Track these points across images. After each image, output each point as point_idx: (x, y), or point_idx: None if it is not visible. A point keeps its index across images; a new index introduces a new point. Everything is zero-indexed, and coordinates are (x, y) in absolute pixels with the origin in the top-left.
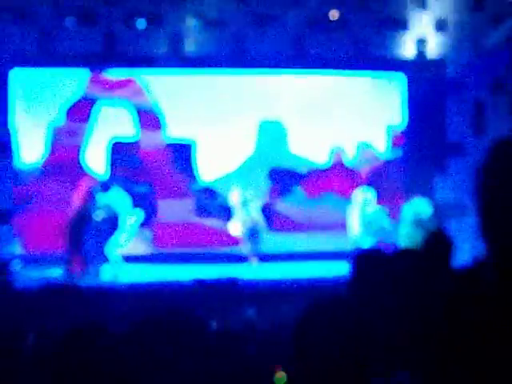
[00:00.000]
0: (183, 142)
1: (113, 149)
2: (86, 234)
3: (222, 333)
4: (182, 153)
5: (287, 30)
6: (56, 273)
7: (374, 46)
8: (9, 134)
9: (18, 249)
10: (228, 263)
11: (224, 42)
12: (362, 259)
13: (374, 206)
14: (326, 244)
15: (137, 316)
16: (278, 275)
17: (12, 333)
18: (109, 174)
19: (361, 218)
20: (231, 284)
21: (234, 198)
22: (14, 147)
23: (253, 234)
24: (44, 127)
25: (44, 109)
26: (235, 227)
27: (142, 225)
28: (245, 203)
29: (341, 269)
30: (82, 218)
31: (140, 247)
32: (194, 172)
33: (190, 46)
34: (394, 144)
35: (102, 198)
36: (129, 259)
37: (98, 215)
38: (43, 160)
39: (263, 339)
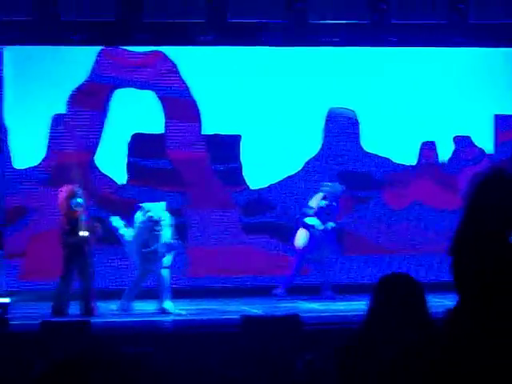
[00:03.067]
0: (226, 138)
1: (133, 147)
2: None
3: None
4: (224, 151)
5: None
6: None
7: (476, 11)
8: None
9: (12, 279)
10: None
11: (278, 7)
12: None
13: None
14: (415, 271)
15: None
16: (348, 312)
17: None
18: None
19: None
20: (290, 321)
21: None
22: (5, 146)
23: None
24: (43, 119)
25: (42, 96)
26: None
27: (172, 248)
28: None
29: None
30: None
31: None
32: (241, 176)
33: (234, 12)
34: (503, 138)
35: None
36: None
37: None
38: (43, 162)
39: None
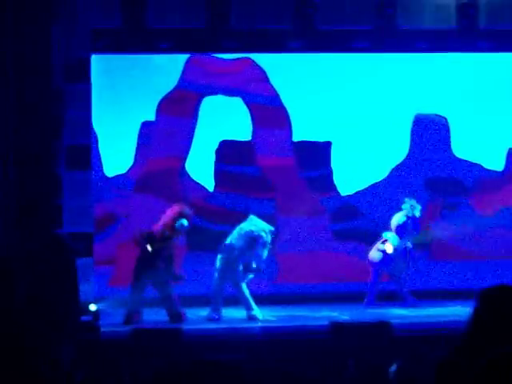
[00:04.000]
0: (316, 145)
1: (221, 154)
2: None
3: None
4: (315, 158)
5: None
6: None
7: None
8: (89, 137)
9: (101, 285)
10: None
11: (366, 13)
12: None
13: None
14: (504, 277)
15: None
16: (438, 318)
17: None
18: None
19: None
20: (381, 328)
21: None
22: (95, 154)
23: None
24: (132, 127)
25: (131, 103)
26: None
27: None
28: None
29: None
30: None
31: (258, 284)
32: (332, 183)
33: (323, 19)
34: None
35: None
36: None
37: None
38: (132, 169)
39: None
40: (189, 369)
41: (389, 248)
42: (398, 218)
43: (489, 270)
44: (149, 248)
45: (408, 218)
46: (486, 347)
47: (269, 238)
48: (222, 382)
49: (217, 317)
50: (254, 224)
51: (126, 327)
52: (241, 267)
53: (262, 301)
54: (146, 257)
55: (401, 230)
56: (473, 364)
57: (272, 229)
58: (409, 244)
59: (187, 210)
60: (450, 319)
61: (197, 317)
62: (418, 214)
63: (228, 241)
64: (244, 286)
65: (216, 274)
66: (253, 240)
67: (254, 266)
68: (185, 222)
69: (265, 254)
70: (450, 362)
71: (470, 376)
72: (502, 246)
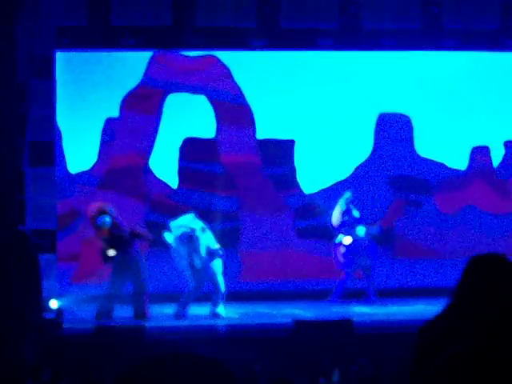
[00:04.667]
0: (279, 143)
1: (185, 151)
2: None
3: None
4: (278, 156)
5: None
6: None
7: None
8: (53, 133)
9: (64, 282)
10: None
11: (330, 11)
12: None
13: None
14: None
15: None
16: (400, 316)
17: None
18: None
19: None
20: (342, 326)
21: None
22: (58, 150)
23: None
24: (96, 124)
25: (95, 100)
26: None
27: (225, 251)
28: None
29: None
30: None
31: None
32: (294, 181)
33: (286, 17)
34: None
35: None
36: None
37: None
38: (95, 166)
39: None
40: (166, 362)
41: (347, 240)
42: (334, 217)
43: (451, 269)
44: (111, 253)
45: (342, 212)
46: (470, 312)
47: (199, 226)
48: (201, 375)
49: (184, 314)
50: (181, 225)
51: (90, 324)
52: (205, 263)
53: (225, 298)
54: (127, 254)
55: (341, 227)
56: (456, 329)
57: (192, 214)
58: (360, 233)
59: (106, 206)
60: (412, 317)
61: (159, 314)
62: (344, 205)
63: (176, 255)
64: (222, 281)
65: (193, 276)
66: (189, 238)
67: (216, 246)
68: (107, 218)
69: (206, 241)
70: (433, 325)
71: (452, 341)
72: (464, 244)
